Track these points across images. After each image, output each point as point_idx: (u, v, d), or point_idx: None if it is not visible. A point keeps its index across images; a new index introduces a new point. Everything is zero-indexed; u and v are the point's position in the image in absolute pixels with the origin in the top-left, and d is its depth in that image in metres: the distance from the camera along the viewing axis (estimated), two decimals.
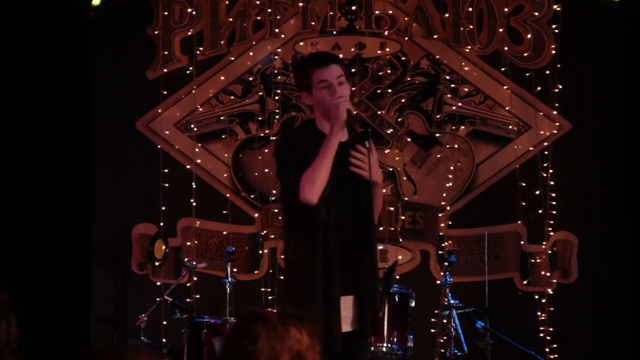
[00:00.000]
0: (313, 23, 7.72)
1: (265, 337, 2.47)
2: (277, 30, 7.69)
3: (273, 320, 2.50)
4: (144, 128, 7.68)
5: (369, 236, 4.56)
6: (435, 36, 7.72)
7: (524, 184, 7.58)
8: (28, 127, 7.53)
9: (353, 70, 7.68)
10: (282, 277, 7.46)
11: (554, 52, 7.64)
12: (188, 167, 7.64)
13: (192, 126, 7.68)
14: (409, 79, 7.72)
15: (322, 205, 4.44)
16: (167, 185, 7.57)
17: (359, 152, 4.53)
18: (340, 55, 7.62)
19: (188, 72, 7.68)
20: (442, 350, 6.90)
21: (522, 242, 7.60)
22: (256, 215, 7.64)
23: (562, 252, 7.61)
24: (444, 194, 7.64)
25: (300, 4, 7.70)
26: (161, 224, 7.52)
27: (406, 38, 7.73)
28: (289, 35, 7.74)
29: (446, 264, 6.64)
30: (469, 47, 7.69)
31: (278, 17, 7.70)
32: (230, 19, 7.73)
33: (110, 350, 2.47)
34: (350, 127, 4.54)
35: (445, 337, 6.63)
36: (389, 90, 7.71)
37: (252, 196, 7.65)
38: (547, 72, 7.62)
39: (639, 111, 7.61)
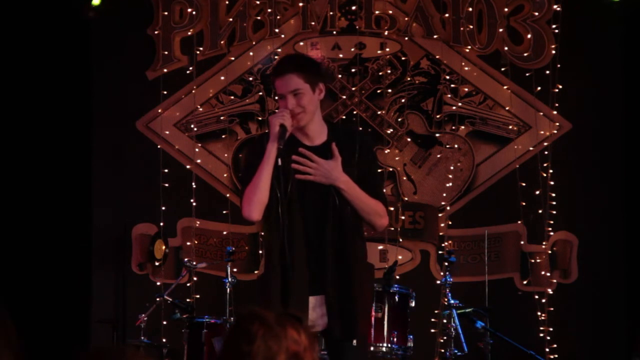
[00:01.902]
0: (313, 23, 7.72)
1: (262, 337, 2.47)
2: (277, 30, 7.69)
3: (270, 321, 2.50)
4: (144, 128, 7.68)
5: (340, 236, 4.54)
6: (435, 36, 7.72)
7: (524, 184, 7.58)
8: (28, 127, 7.53)
9: (353, 70, 7.69)
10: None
11: (554, 52, 7.64)
12: (188, 167, 7.64)
13: (192, 126, 7.68)
14: (409, 79, 7.72)
15: (276, 209, 4.50)
16: (167, 185, 7.57)
17: (304, 157, 4.54)
18: (340, 55, 7.65)
19: (188, 72, 7.68)
20: (442, 350, 6.91)
21: (522, 242, 7.60)
22: None
23: (562, 252, 7.61)
24: (444, 194, 7.64)
25: (300, 4, 7.70)
26: (161, 224, 7.52)
27: (406, 38, 7.73)
28: (289, 35, 7.74)
29: (446, 264, 6.64)
30: (469, 47, 7.69)
31: (278, 17, 7.70)
32: (230, 19, 7.73)
33: (109, 351, 2.47)
34: (280, 143, 4.49)
35: (445, 337, 6.64)
36: (389, 90, 7.71)
37: None
38: (547, 72, 7.62)
39: (639, 111, 7.61)
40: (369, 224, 4.69)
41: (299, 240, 4.52)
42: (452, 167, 7.66)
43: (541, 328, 7.43)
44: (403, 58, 7.74)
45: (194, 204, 7.58)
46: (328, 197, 4.56)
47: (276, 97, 4.66)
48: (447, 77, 7.70)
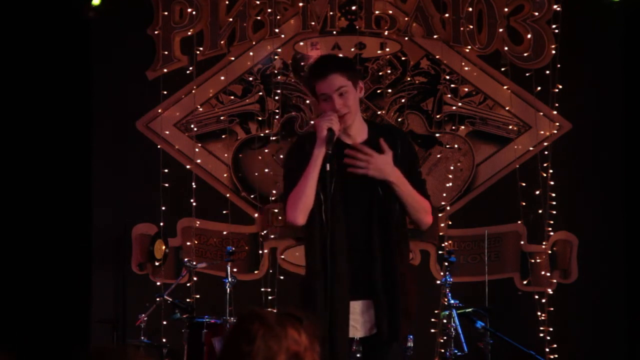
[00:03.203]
0: (313, 23, 7.72)
1: (262, 337, 2.47)
2: (277, 30, 7.69)
3: (270, 321, 2.50)
4: (144, 128, 7.68)
5: (385, 238, 4.53)
6: (435, 36, 7.72)
7: (524, 184, 7.58)
8: (28, 127, 7.53)
9: None
10: (281, 277, 7.47)
11: (554, 52, 7.64)
12: (188, 167, 7.64)
13: (192, 126, 7.68)
14: (409, 79, 7.72)
15: (320, 213, 4.46)
16: (167, 185, 7.57)
17: (357, 150, 4.53)
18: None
19: (188, 72, 7.68)
20: (442, 350, 6.91)
21: (522, 242, 7.60)
22: (256, 215, 7.64)
23: (562, 252, 7.61)
24: (444, 194, 7.65)
25: (300, 4, 7.70)
26: (161, 224, 7.52)
27: (406, 38, 7.73)
28: (289, 35, 7.74)
29: (446, 264, 6.64)
30: (469, 47, 7.69)
31: (278, 17, 7.70)
32: (230, 19, 7.73)
33: (109, 351, 2.48)
34: (328, 147, 4.46)
35: (445, 337, 6.64)
36: (389, 90, 7.71)
37: (252, 196, 7.65)
38: (547, 72, 7.62)
39: (639, 111, 7.61)
40: (416, 221, 4.68)
41: (342, 243, 4.45)
42: (452, 167, 7.66)
43: (541, 328, 7.43)
44: (403, 58, 7.74)
45: (194, 204, 7.58)
46: (373, 197, 4.53)
47: (321, 98, 4.58)
48: (447, 77, 7.70)
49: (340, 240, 4.46)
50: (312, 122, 4.67)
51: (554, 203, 7.57)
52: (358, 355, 4.66)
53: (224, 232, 7.61)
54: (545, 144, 7.63)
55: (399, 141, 4.64)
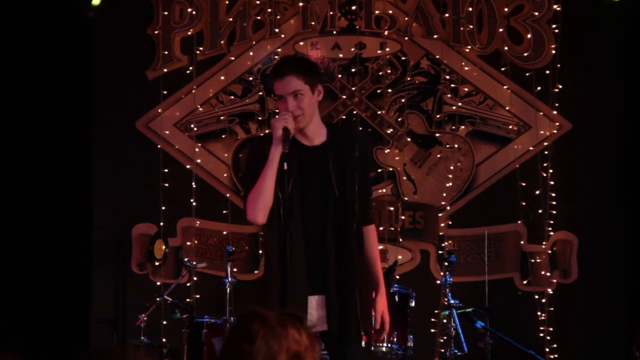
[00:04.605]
0: (313, 23, 7.72)
1: (262, 337, 2.46)
2: (277, 30, 7.69)
3: (271, 321, 2.49)
4: (144, 128, 7.68)
5: (341, 238, 4.56)
6: (435, 36, 7.72)
7: (524, 184, 7.57)
8: (28, 127, 7.53)
9: (353, 70, 7.69)
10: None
11: (554, 52, 7.64)
12: (188, 167, 7.64)
13: (192, 126, 7.68)
14: (409, 79, 7.72)
15: (278, 212, 4.51)
16: (167, 185, 7.57)
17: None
18: (340, 55, 7.65)
19: (188, 72, 7.68)
20: (442, 350, 6.91)
21: (522, 242, 7.60)
22: None
23: (562, 252, 7.61)
24: (444, 194, 7.64)
25: (300, 4, 7.70)
26: (161, 224, 7.52)
27: (406, 38, 7.73)
28: (289, 35, 7.74)
29: (446, 264, 6.64)
30: (469, 47, 7.69)
31: (278, 17, 7.70)
32: (230, 19, 7.72)
33: (109, 351, 2.47)
34: (284, 146, 4.49)
35: (445, 337, 6.64)
36: (389, 90, 7.71)
37: None
38: (547, 72, 7.62)
39: (639, 111, 7.61)
40: None
41: (299, 241, 4.53)
42: (452, 167, 7.66)
43: (541, 328, 7.43)
44: (403, 58, 7.73)
45: (194, 204, 7.58)
46: (328, 198, 4.57)
47: (275, 99, 4.64)
48: (447, 77, 7.70)
49: (298, 238, 4.51)
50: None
51: (554, 203, 7.57)
52: (323, 351, 4.71)
53: (224, 232, 7.61)
54: (545, 144, 7.63)
55: (357, 144, 4.68)
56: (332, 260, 4.54)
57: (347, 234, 4.58)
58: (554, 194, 7.57)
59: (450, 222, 7.63)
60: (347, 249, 4.58)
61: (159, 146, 7.63)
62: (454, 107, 7.70)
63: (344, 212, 4.58)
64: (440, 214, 7.64)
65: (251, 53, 7.71)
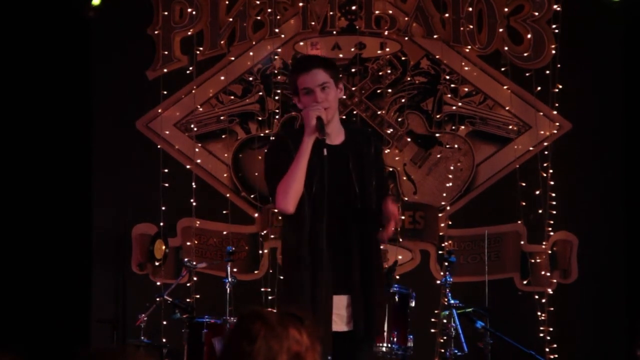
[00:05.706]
0: (313, 23, 7.72)
1: (263, 337, 2.46)
2: (277, 30, 7.69)
3: (272, 321, 2.49)
4: (144, 128, 7.68)
5: (364, 236, 4.57)
6: (435, 36, 7.72)
7: (524, 184, 7.58)
8: (28, 128, 7.53)
9: (353, 70, 7.69)
10: (281, 277, 7.46)
11: (554, 52, 7.64)
12: (188, 167, 7.64)
13: (192, 126, 7.68)
14: (409, 79, 7.72)
15: (306, 208, 4.50)
16: (167, 185, 7.57)
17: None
18: (340, 55, 7.65)
19: (188, 72, 7.68)
20: (442, 350, 6.91)
21: (522, 242, 7.60)
22: (256, 215, 7.64)
23: (562, 252, 7.61)
24: (444, 194, 7.64)
25: (300, 4, 7.70)
26: (161, 224, 7.52)
27: (406, 38, 7.73)
28: (289, 35, 7.74)
29: (446, 264, 6.64)
30: (469, 47, 7.69)
31: (278, 17, 7.70)
32: (230, 19, 7.73)
33: (109, 351, 2.47)
34: (320, 134, 4.49)
35: (445, 337, 6.64)
36: (389, 90, 7.71)
37: (252, 196, 7.65)
38: (547, 72, 7.62)
39: (639, 111, 7.61)
40: None
41: (323, 240, 4.47)
42: (452, 167, 7.66)
43: (541, 328, 7.43)
44: (403, 58, 7.74)
45: (194, 204, 7.58)
46: (350, 197, 4.56)
47: (297, 95, 4.63)
48: (447, 77, 7.70)
49: (322, 237, 4.48)
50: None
51: (554, 203, 7.57)
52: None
53: (224, 232, 7.61)
54: (545, 144, 7.63)
55: (372, 143, 4.71)
56: (356, 260, 4.54)
57: (369, 233, 4.58)
58: (554, 194, 7.57)
59: (450, 222, 7.63)
60: (369, 248, 4.58)
61: (159, 146, 7.63)
62: (454, 107, 7.70)
63: (365, 212, 4.57)
64: (440, 214, 7.64)
65: (251, 53, 7.71)
